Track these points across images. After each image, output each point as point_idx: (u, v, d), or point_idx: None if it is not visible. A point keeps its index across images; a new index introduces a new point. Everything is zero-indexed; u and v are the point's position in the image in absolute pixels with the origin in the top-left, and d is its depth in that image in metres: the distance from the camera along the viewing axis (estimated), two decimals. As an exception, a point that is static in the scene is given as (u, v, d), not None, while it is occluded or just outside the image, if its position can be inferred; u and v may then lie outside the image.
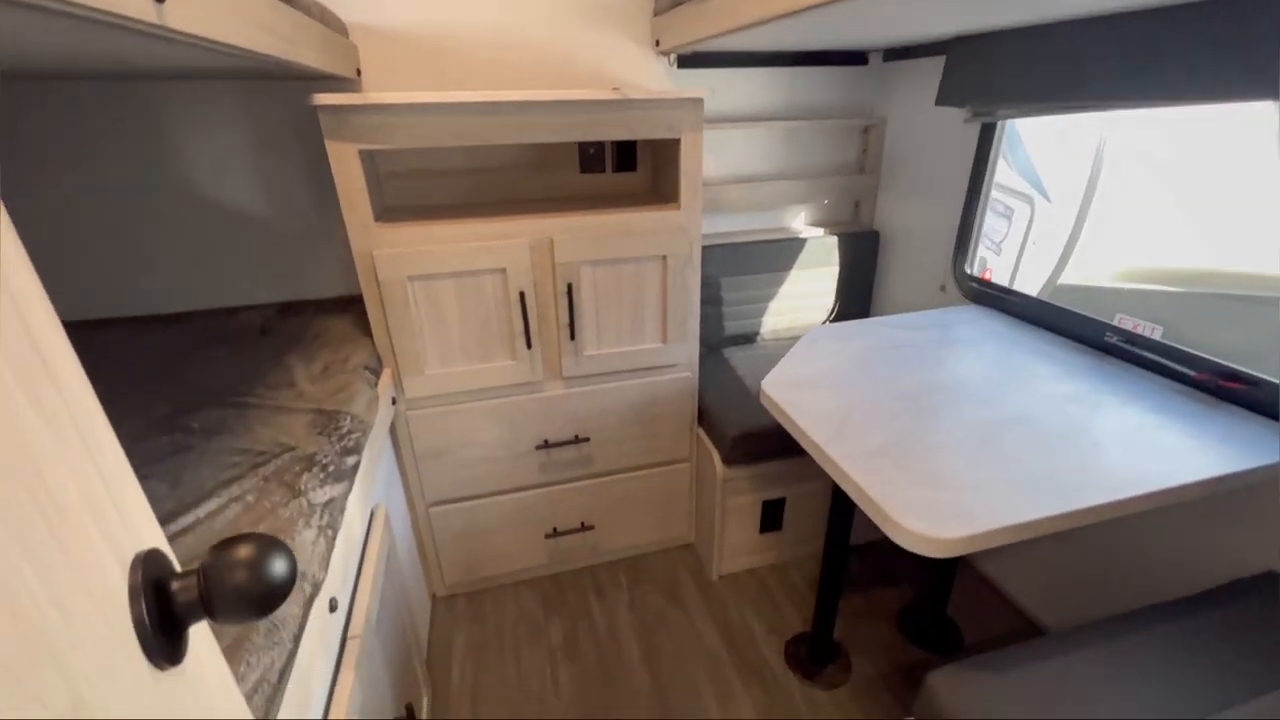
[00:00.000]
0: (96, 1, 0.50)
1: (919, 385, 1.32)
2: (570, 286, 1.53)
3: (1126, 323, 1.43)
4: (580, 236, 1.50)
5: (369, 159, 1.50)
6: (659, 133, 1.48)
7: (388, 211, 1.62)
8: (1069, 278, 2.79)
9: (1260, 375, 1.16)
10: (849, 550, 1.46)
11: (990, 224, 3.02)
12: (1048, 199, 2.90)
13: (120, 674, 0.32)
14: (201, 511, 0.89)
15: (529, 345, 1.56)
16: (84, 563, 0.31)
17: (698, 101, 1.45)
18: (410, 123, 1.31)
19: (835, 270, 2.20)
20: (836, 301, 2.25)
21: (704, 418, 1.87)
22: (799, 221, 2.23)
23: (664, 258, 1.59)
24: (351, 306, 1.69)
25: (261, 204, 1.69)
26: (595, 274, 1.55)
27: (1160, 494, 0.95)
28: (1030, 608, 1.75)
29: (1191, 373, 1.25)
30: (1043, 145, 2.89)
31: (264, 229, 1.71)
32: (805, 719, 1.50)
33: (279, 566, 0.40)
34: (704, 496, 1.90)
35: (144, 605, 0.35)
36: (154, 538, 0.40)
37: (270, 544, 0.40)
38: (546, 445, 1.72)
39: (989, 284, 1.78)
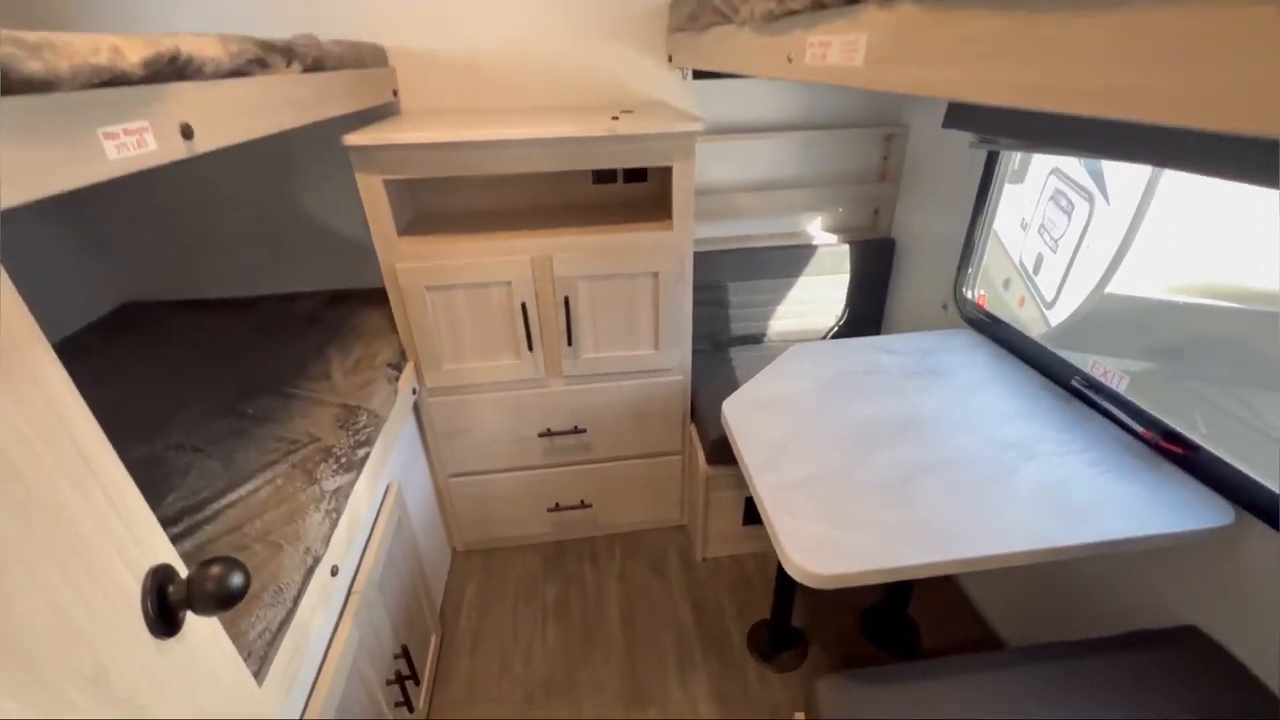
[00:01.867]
0: (135, 158, 0.71)
1: (871, 417, 1.41)
2: (567, 299, 1.70)
3: (1097, 369, 1.44)
4: (578, 254, 1.66)
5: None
6: (654, 161, 1.59)
7: (419, 218, 1.84)
8: (1119, 286, 2.65)
9: (1199, 442, 1.18)
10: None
11: (1050, 218, 2.90)
12: (1107, 201, 2.74)
13: (130, 646, 0.55)
14: (244, 490, 1.16)
15: (530, 348, 1.75)
16: (103, 576, 0.53)
17: (689, 135, 1.54)
18: (426, 158, 1.50)
19: (846, 278, 2.23)
20: (847, 308, 2.29)
21: (696, 414, 2.02)
22: (814, 226, 2.27)
23: (656, 274, 1.72)
24: (387, 300, 1.95)
25: (319, 204, 1.96)
26: (591, 287, 1.71)
27: (1044, 552, 1.04)
28: (994, 620, 1.83)
29: (1139, 429, 1.27)
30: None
31: (320, 225, 1.99)
32: (752, 694, 1.69)
33: (235, 580, 0.62)
34: (693, 487, 2.07)
35: (149, 603, 0.57)
36: (165, 554, 0.63)
37: (232, 565, 0.62)
38: (549, 433, 1.94)
39: (982, 310, 1.79)
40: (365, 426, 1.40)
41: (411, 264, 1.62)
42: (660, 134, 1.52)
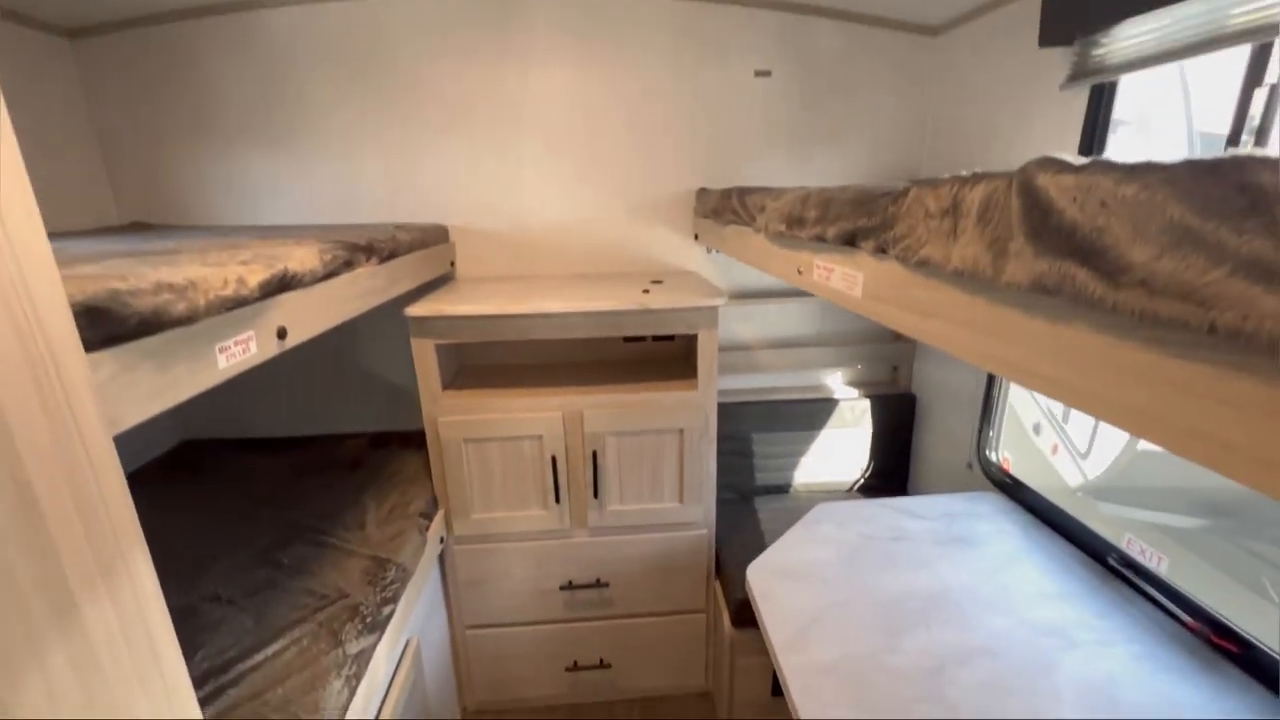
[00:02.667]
0: (240, 363, 0.83)
1: (901, 591, 1.38)
2: (595, 453, 1.77)
3: (1134, 547, 1.40)
4: (607, 410, 1.75)
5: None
6: (680, 330, 1.73)
7: (462, 370, 1.99)
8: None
9: (1253, 638, 1.12)
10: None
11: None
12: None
13: None
14: (270, 650, 1.18)
15: (558, 500, 1.80)
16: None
17: (712, 309, 1.69)
18: (476, 326, 1.67)
19: (869, 432, 2.27)
20: (871, 461, 2.30)
21: (721, 570, 1.97)
22: (834, 380, 2.35)
23: (681, 430, 1.79)
24: (425, 443, 2.04)
25: (369, 351, 2.15)
26: (619, 442, 1.79)
27: (1095, 766, 0.96)
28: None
29: (1186, 618, 1.22)
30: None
31: (369, 371, 2.16)
32: None
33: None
34: (717, 650, 1.97)
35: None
36: (202, 746, 0.65)
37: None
38: (570, 586, 1.91)
39: (1007, 474, 1.79)
40: (393, 582, 1.43)
41: (453, 418, 1.73)
42: (686, 308, 1.68)
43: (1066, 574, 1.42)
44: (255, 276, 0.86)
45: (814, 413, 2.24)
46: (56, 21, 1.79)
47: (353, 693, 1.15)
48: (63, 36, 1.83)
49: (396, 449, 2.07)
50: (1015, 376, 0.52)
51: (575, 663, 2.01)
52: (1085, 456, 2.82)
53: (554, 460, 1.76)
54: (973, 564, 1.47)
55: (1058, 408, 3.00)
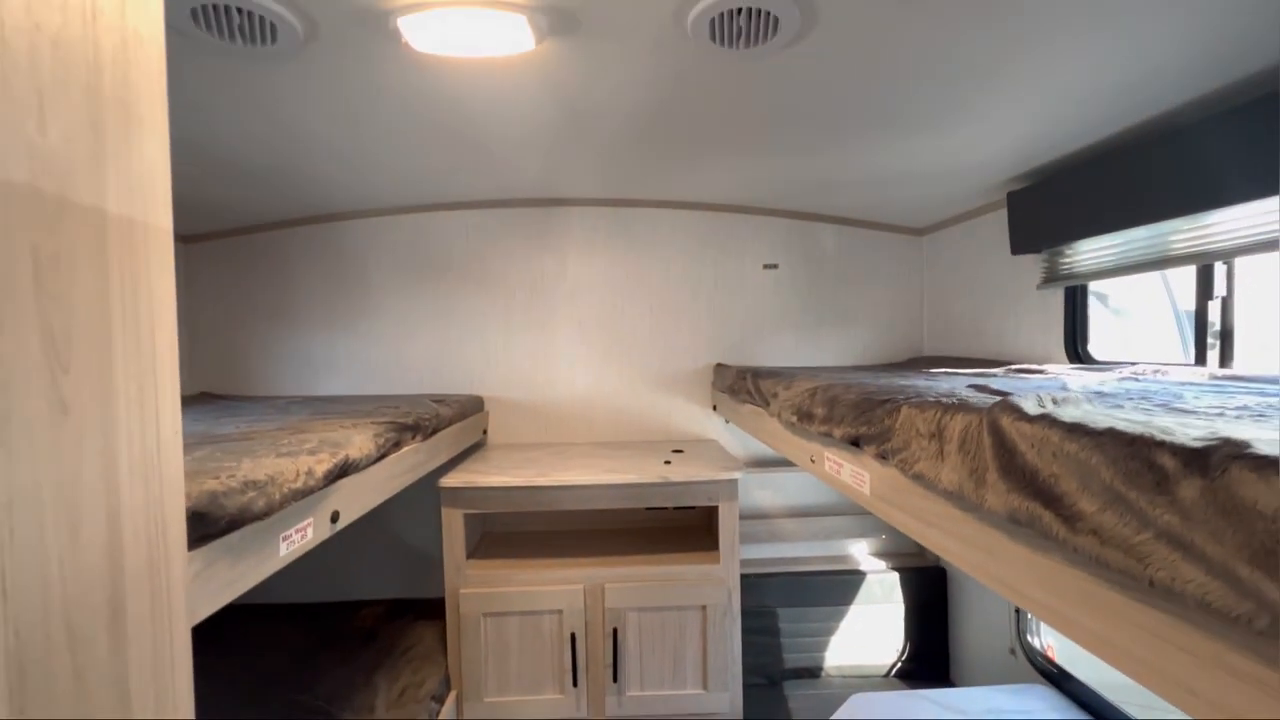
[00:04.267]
0: (297, 549, 0.90)
1: (949, 806, 1.25)
2: (616, 631, 1.72)
3: (1204, 758, 1.28)
4: (629, 585, 1.74)
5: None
6: (701, 501, 1.77)
7: (486, 537, 2.02)
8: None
9: None
10: None
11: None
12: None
13: None
14: None
15: (575, 683, 1.71)
16: None
17: (732, 481, 1.75)
18: (506, 497, 1.74)
19: (900, 609, 2.17)
20: (907, 641, 2.17)
21: (752, 774, 1.79)
22: (859, 550, 2.30)
23: (704, 607, 1.75)
24: (444, 613, 2.00)
25: (393, 517, 2.18)
26: (640, 618, 1.74)
27: None
28: None
29: None
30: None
31: (392, 535, 2.19)
32: None
33: None
34: None
35: None
36: None
37: None
38: (584, 790, 1.74)
39: (1053, 663, 1.68)
40: (399, 781, 1.34)
41: (474, 589, 1.73)
42: (705, 481, 1.74)
43: (1136, 791, 1.28)
44: (322, 466, 0.97)
45: (841, 586, 2.17)
46: (175, 230, 2.15)
47: None
48: (176, 241, 2.19)
49: (413, 620, 2.02)
50: (1010, 596, 0.57)
51: None
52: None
53: (573, 638, 1.71)
54: (1028, 775, 1.34)
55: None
